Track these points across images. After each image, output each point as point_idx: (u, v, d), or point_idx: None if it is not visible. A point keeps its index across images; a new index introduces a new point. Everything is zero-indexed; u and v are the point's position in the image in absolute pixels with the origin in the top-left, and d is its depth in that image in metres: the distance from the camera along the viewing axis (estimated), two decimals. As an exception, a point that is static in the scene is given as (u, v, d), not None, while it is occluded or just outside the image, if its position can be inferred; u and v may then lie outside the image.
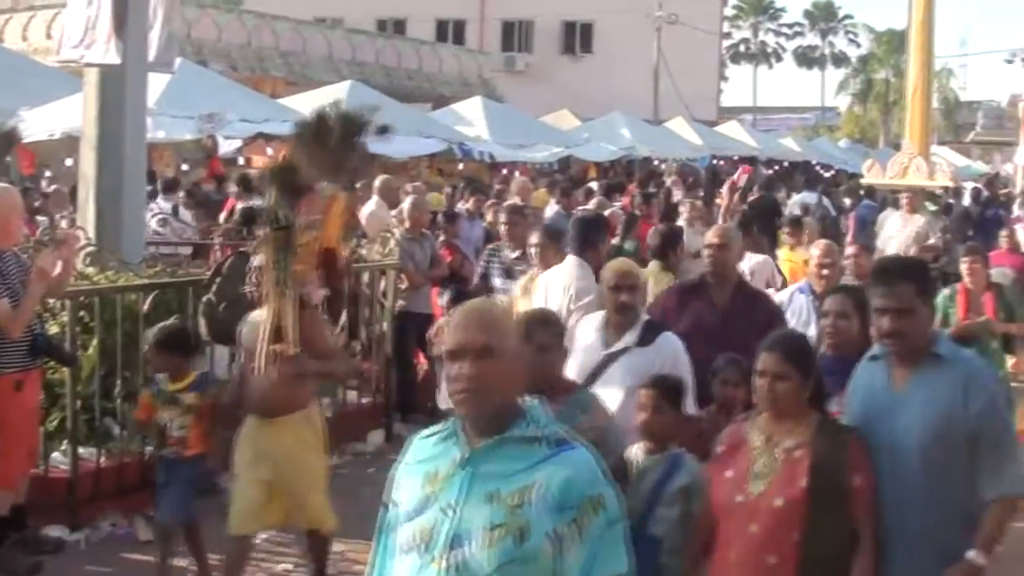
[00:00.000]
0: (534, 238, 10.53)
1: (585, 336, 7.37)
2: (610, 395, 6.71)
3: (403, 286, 12.85)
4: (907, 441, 5.10)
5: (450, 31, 59.24)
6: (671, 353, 7.11)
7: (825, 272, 9.45)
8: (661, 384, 6.29)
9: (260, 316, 7.50)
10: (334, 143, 8.15)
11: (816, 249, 9.87)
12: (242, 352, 7.73)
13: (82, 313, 9.35)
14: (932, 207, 24.32)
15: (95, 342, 9.30)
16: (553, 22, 60.52)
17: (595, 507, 3.58)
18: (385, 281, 12.46)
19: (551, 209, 18.77)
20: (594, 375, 7.07)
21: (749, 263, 11.79)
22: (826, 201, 27.17)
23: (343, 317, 10.94)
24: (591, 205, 18.30)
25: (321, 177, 8.17)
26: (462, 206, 19.18)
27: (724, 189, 17.80)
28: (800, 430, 5.24)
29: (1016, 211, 23.91)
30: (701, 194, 25.89)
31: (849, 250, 11.21)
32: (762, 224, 21.37)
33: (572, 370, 6.90)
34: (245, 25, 39.05)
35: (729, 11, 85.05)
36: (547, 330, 5.94)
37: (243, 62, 37.59)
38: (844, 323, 6.70)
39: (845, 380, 5.68)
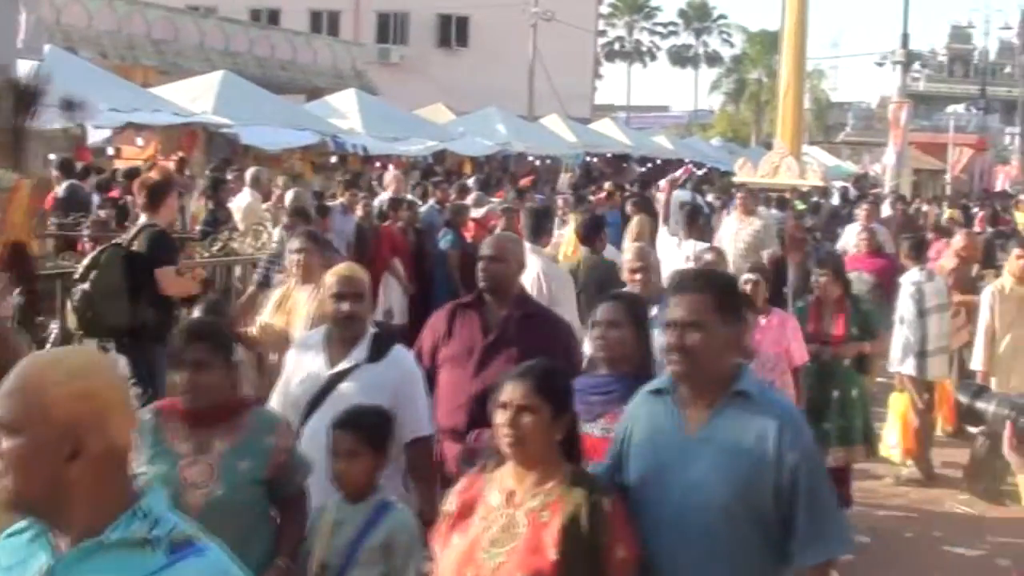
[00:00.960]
0: (295, 243, 9.00)
1: (303, 356, 6.73)
2: (337, 422, 6.08)
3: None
4: (701, 498, 4.28)
5: (324, 22, 58.85)
6: (405, 370, 6.46)
7: (637, 277, 8.82)
8: (356, 423, 5.52)
9: None
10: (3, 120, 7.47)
11: (628, 253, 9.37)
12: None
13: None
14: (801, 205, 24.74)
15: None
16: (429, 15, 60.46)
17: None
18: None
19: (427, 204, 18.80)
20: (317, 400, 6.40)
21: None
22: (700, 199, 27.45)
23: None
24: (468, 200, 18.37)
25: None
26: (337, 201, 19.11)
27: (663, 183, 17.78)
28: (549, 486, 4.30)
29: (886, 210, 24.24)
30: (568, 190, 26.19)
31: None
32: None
33: (292, 396, 6.53)
34: (116, 12, 38.35)
35: (604, 9, 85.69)
36: (203, 345, 5.29)
37: (113, 50, 36.94)
38: (616, 333, 5.73)
39: (616, 401, 5.20)
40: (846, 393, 10.37)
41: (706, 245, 12.65)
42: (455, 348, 6.98)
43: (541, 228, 10.67)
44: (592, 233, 12.17)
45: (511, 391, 4.37)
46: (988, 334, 11.50)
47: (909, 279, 12.37)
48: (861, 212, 18.97)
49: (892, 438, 12.06)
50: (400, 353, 6.53)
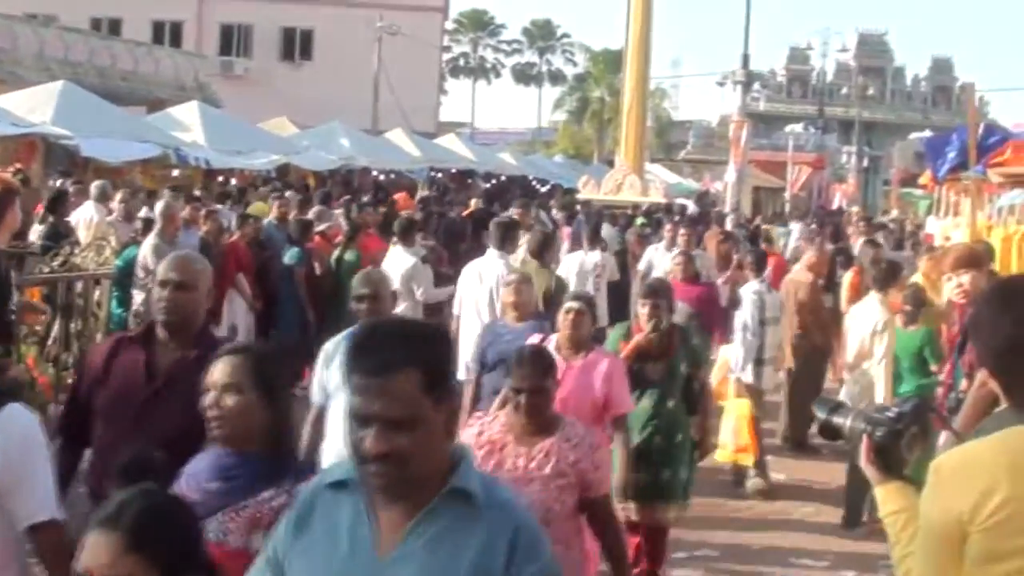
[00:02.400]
0: None
1: None
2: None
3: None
4: None
5: (167, 33, 58.06)
6: (16, 435, 4.51)
7: (363, 306, 7.39)
8: None
9: None
10: None
11: (356, 279, 7.73)
12: None
13: None
14: (642, 221, 25.01)
15: None
16: (273, 27, 59.99)
17: None
18: (100, 291, 12.15)
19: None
20: None
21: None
22: (543, 215, 27.64)
23: (55, 329, 10.63)
24: (311, 215, 18.20)
25: None
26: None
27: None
28: None
29: (730, 223, 24.64)
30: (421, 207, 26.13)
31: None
32: (480, 237, 21.76)
33: None
34: (-49, 19, 37.52)
35: (450, 25, 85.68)
36: None
37: (-52, 58, 36.10)
38: (233, 401, 4.33)
39: (239, 492, 4.19)
40: (671, 439, 9.00)
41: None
42: (110, 395, 5.53)
43: (507, 239, 12.41)
44: (543, 246, 13.24)
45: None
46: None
47: (750, 288, 12.84)
48: (680, 238, 17.21)
49: (729, 440, 12.29)
50: (15, 412, 4.57)
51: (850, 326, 11.90)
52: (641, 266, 17.34)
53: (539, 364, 6.26)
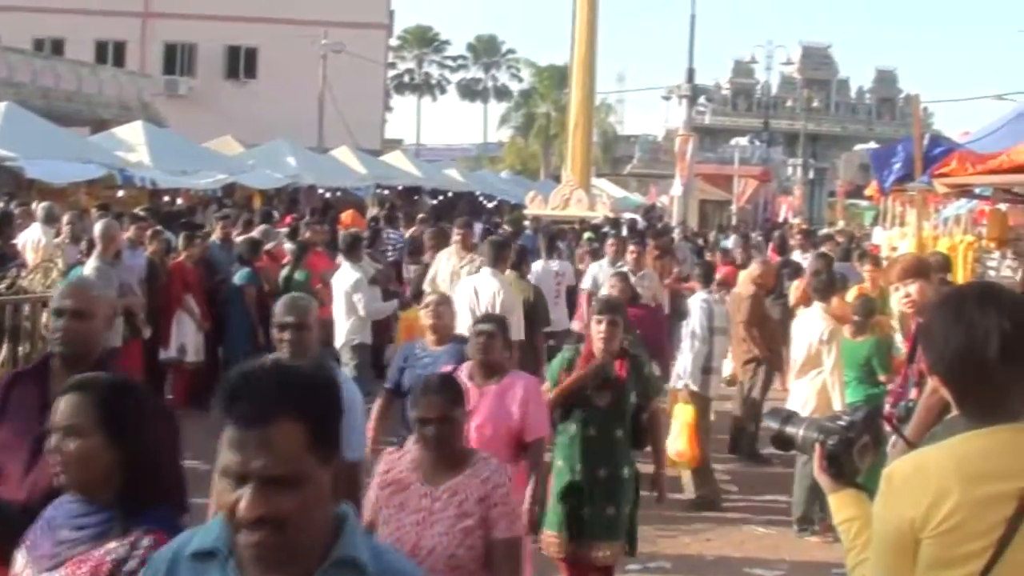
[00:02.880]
0: None
1: None
2: None
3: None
4: None
5: (110, 53, 57.79)
6: None
7: (286, 336, 6.79)
8: None
9: None
10: None
11: (280, 306, 6.94)
12: None
13: None
14: (589, 236, 25.07)
15: None
16: (217, 46, 59.73)
17: None
18: (47, 314, 12.03)
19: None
20: None
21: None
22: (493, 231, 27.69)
23: (2, 352, 10.53)
24: (256, 233, 18.14)
25: None
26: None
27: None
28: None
29: (677, 236, 24.73)
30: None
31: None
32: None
33: None
34: None
35: (394, 42, 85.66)
36: None
37: None
38: (74, 446, 3.77)
39: (88, 540, 3.69)
40: (616, 472, 8.39)
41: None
42: (6, 432, 5.18)
43: (499, 256, 13.15)
44: (519, 259, 14.56)
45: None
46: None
47: (699, 297, 12.99)
48: (630, 255, 16.29)
49: (678, 446, 12.36)
50: None
51: (795, 336, 12.03)
52: (586, 284, 16.62)
53: (446, 392, 5.83)
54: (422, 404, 5.75)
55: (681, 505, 12.23)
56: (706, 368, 12.70)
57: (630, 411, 8.50)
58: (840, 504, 3.81)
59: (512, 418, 7.61)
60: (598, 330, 8.45)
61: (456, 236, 15.21)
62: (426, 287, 14.13)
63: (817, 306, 11.97)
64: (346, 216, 25.98)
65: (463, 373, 7.61)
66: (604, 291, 13.32)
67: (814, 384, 11.57)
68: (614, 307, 8.80)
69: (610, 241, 17.83)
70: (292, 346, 6.63)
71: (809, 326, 11.81)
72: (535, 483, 7.79)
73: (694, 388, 12.66)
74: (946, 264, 12.88)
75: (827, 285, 12.25)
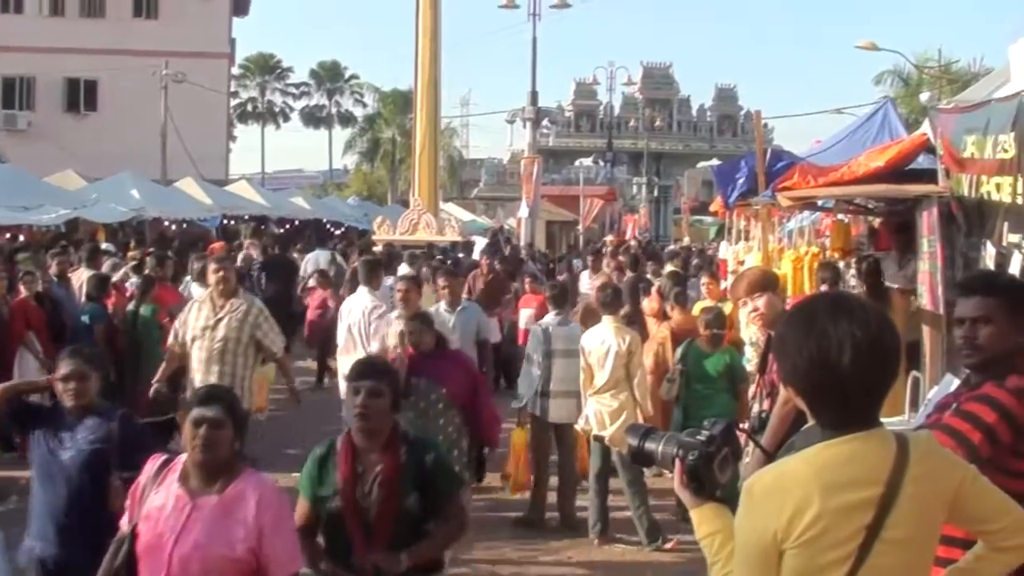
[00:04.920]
0: None
1: None
2: None
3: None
4: None
5: (-55, 88, 56.54)
6: None
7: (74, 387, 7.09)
8: None
9: None
10: None
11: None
12: None
13: None
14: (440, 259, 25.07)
15: None
16: (56, 78, 58.53)
17: None
18: None
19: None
20: None
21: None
22: (340, 258, 27.60)
23: None
24: (105, 268, 17.83)
25: None
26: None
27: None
28: None
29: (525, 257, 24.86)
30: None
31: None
32: (283, 283, 21.69)
33: None
34: None
35: (236, 70, 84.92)
36: None
37: None
38: None
39: None
40: None
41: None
42: None
43: (373, 275, 14.27)
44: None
45: None
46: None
47: (543, 322, 12.93)
48: (442, 291, 15.02)
49: (508, 470, 12.49)
50: None
51: (588, 350, 12.03)
52: None
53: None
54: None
55: (522, 535, 12.19)
56: (544, 392, 12.51)
57: (413, 522, 6.14)
58: (702, 519, 3.82)
59: (237, 549, 5.47)
60: (353, 418, 6.26)
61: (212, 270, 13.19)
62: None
63: (607, 320, 12.09)
64: (217, 246, 25.67)
65: (174, 471, 5.71)
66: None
67: (618, 399, 11.71)
68: (373, 372, 6.38)
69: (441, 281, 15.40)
70: (74, 398, 6.85)
71: (604, 341, 11.92)
72: None
73: (533, 412, 12.64)
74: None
75: (613, 299, 12.43)
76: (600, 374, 11.87)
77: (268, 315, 12.36)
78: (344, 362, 13.34)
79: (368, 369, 6.36)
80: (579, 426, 12.33)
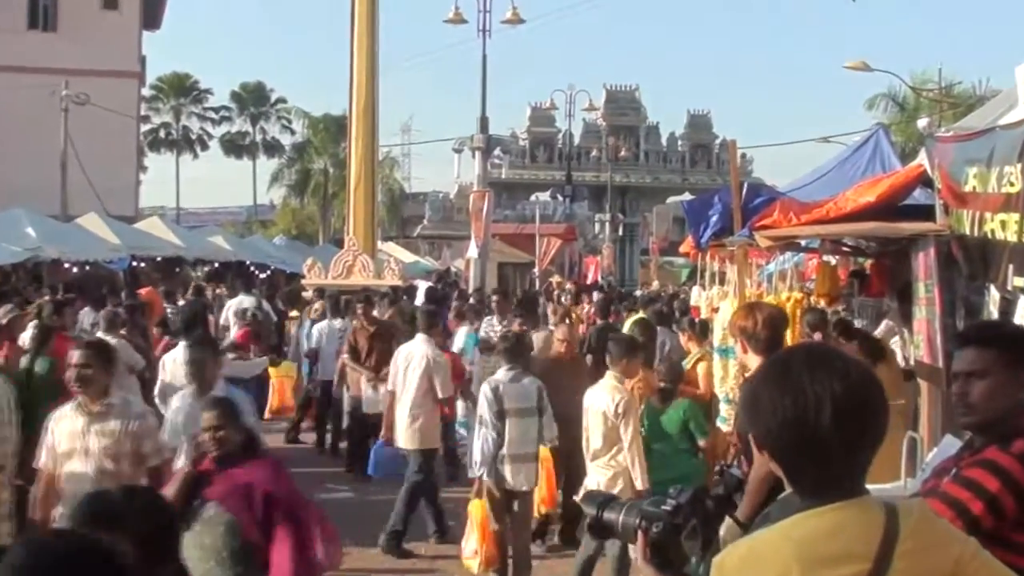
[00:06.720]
0: None
1: None
2: None
3: None
4: None
5: None
6: None
7: None
8: None
9: None
10: None
11: None
12: None
13: None
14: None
15: None
16: (-61, 100, 58.40)
17: None
18: None
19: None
20: None
21: None
22: (266, 305, 27.44)
23: None
24: (-2, 316, 17.68)
25: None
26: None
27: None
28: None
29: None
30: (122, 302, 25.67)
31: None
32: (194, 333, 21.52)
33: None
34: None
35: (147, 92, 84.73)
36: None
37: None
38: None
39: None
40: None
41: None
42: None
43: (432, 324, 16.41)
44: (433, 323, 16.62)
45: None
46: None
47: (493, 380, 12.88)
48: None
49: (471, 547, 12.40)
50: None
51: (584, 409, 12.07)
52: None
53: None
54: None
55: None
56: (499, 457, 12.60)
57: None
58: (668, 597, 3.82)
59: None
60: None
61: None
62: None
63: (608, 375, 12.11)
64: (146, 292, 25.58)
65: None
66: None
67: (611, 467, 11.73)
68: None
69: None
70: None
71: (597, 400, 11.96)
72: None
73: (486, 479, 12.62)
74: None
75: (516, 347, 12.92)
76: (594, 437, 11.89)
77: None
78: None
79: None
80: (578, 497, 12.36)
